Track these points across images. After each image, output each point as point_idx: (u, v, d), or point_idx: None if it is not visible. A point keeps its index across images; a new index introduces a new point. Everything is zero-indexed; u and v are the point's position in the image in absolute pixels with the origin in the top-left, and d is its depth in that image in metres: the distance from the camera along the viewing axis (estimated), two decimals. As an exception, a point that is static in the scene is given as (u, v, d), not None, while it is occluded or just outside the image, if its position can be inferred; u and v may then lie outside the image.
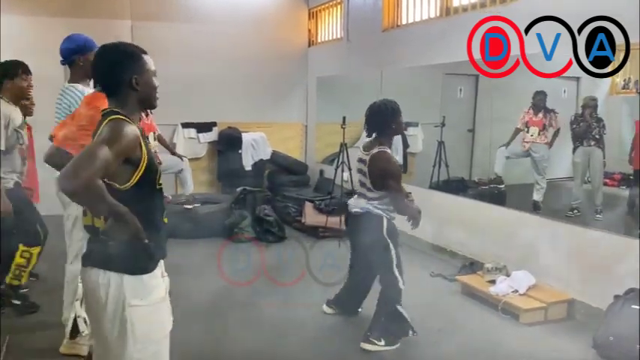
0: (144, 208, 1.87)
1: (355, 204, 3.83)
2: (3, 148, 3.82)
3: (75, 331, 3.32)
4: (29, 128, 4.60)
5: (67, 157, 2.58)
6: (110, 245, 1.85)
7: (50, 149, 2.95)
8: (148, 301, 1.91)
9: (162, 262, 2.04)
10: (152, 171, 1.91)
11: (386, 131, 3.77)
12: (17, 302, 4.07)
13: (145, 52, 1.99)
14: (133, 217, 1.80)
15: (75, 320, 3.32)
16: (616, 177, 5.41)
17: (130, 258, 1.87)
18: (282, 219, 6.67)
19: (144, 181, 1.87)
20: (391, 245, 3.70)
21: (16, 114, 3.96)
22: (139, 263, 1.90)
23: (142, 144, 1.87)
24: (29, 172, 4.43)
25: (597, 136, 5.19)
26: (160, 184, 1.98)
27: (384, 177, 3.65)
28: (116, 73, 1.92)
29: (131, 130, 1.84)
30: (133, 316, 1.88)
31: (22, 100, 4.12)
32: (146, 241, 1.85)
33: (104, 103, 2.37)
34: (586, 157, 5.29)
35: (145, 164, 1.86)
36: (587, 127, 5.24)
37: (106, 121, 1.85)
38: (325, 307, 4.25)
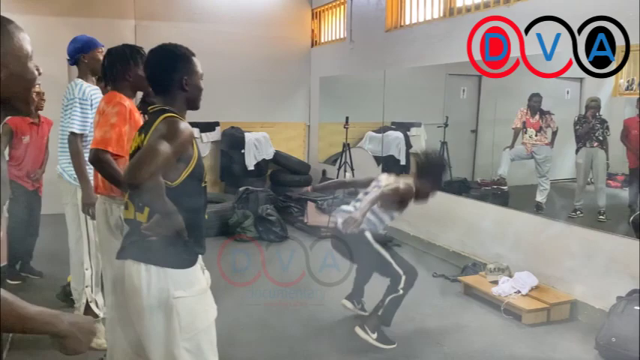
0: (189, 204, 1.93)
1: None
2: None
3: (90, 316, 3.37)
4: (49, 123, 4.69)
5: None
6: (152, 240, 1.89)
7: (91, 153, 2.90)
8: (191, 292, 1.97)
9: (200, 257, 2.11)
10: (200, 169, 1.99)
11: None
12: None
13: (194, 55, 2.08)
14: (179, 217, 1.87)
15: (87, 305, 3.43)
16: (619, 178, 5.40)
17: (171, 252, 1.93)
18: (284, 219, 6.68)
19: (191, 178, 1.94)
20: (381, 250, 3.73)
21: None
22: (180, 258, 1.96)
23: (194, 142, 1.96)
24: (36, 166, 4.54)
25: (600, 137, 5.19)
26: (205, 182, 2.06)
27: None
28: (168, 73, 2.00)
29: (187, 127, 1.92)
30: (178, 307, 1.92)
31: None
32: (187, 238, 1.93)
33: (123, 99, 2.73)
34: (589, 159, 5.28)
35: (195, 162, 1.94)
36: (590, 128, 5.23)
37: (162, 118, 1.92)
38: (344, 301, 4.25)
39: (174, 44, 2.07)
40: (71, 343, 1.35)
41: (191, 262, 2.01)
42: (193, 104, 2.08)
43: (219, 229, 6.33)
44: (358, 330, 3.76)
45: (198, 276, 2.03)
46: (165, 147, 1.80)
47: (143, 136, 1.98)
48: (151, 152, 1.79)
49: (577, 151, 5.37)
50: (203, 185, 2.04)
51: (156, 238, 1.88)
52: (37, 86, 4.53)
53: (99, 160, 2.75)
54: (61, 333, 1.34)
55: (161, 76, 2.01)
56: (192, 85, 2.03)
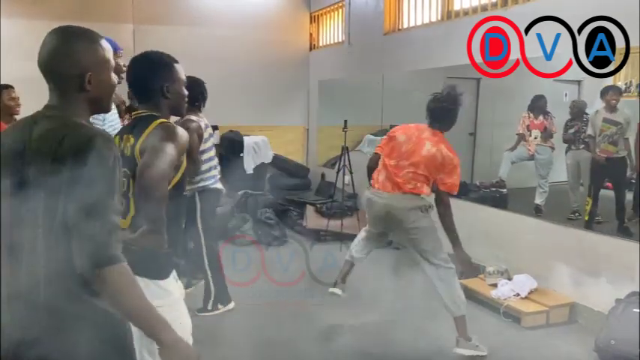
0: (173, 212, 1.90)
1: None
2: None
3: None
4: None
5: None
6: (131, 250, 1.79)
7: None
8: (168, 302, 1.94)
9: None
10: (185, 178, 2.00)
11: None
12: None
13: (177, 62, 2.12)
14: (164, 232, 1.86)
15: None
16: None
17: (149, 263, 1.89)
18: (283, 222, 6.67)
19: (177, 187, 1.93)
20: None
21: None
22: (158, 269, 1.94)
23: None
24: None
25: (587, 140, 5.18)
26: (186, 192, 2.09)
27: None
28: (150, 81, 2.02)
29: (185, 134, 1.95)
30: None
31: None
32: (168, 250, 1.91)
33: None
34: (575, 160, 5.29)
35: (182, 171, 1.94)
36: (576, 131, 5.26)
37: (157, 123, 1.93)
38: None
39: (156, 52, 2.11)
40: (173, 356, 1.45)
41: (168, 273, 2.00)
42: (176, 111, 2.12)
43: (218, 233, 6.31)
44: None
45: (172, 286, 2.01)
46: (172, 151, 1.82)
47: (133, 140, 1.95)
48: (163, 156, 1.80)
49: (566, 152, 5.40)
50: (184, 194, 2.05)
51: (135, 247, 1.82)
52: (12, 91, 4.52)
53: None
54: (165, 341, 1.44)
55: (143, 84, 2.03)
56: (174, 92, 2.05)
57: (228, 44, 8.16)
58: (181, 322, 2.01)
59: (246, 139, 8.11)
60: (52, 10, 7.09)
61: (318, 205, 6.79)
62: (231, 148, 8.08)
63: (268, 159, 8.29)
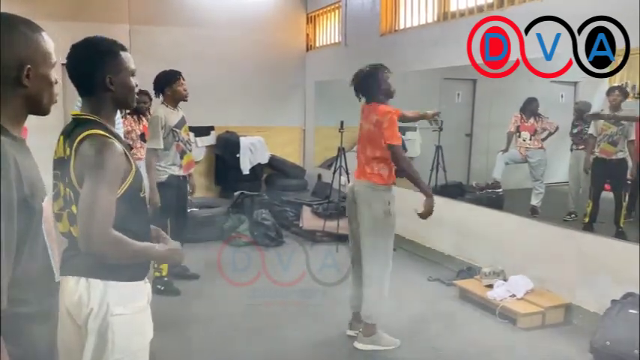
0: (130, 218, 1.78)
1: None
2: (161, 147, 4.41)
3: None
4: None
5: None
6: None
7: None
8: (131, 309, 1.82)
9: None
10: (138, 179, 1.84)
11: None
12: (161, 288, 4.58)
13: (124, 49, 1.85)
14: (158, 250, 1.87)
15: None
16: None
17: (116, 265, 1.78)
18: (279, 223, 6.66)
19: (130, 191, 1.79)
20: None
21: (171, 116, 4.48)
22: (127, 270, 1.82)
23: (127, 154, 1.79)
24: None
25: (585, 138, 5.20)
26: (144, 193, 1.91)
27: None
28: (91, 71, 1.78)
29: (114, 149, 1.71)
30: (114, 326, 1.77)
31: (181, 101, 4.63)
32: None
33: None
34: (577, 160, 5.31)
35: (133, 174, 1.79)
36: (578, 131, 5.27)
37: (84, 135, 1.72)
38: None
39: (99, 38, 1.83)
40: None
41: (137, 276, 1.89)
42: (124, 104, 1.89)
43: (214, 234, 6.31)
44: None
45: (141, 290, 1.90)
46: (107, 193, 1.68)
47: (69, 150, 1.76)
48: (97, 208, 1.66)
49: (571, 152, 5.42)
50: (142, 196, 1.89)
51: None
52: None
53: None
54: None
55: (83, 74, 1.79)
56: (120, 83, 1.80)
57: (224, 45, 8.16)
58: (143, 334, 1.91)
59: (242, 139, 8.11)
60: (48, 10, 7.06)
61: (314, 206, 6.78)
62: (227, 148, 8.09)
63: (265, 160, 8.29)
